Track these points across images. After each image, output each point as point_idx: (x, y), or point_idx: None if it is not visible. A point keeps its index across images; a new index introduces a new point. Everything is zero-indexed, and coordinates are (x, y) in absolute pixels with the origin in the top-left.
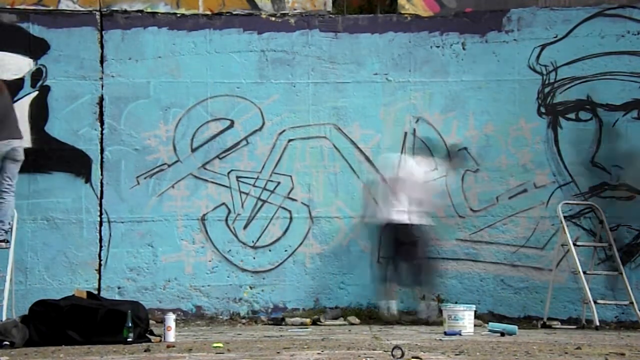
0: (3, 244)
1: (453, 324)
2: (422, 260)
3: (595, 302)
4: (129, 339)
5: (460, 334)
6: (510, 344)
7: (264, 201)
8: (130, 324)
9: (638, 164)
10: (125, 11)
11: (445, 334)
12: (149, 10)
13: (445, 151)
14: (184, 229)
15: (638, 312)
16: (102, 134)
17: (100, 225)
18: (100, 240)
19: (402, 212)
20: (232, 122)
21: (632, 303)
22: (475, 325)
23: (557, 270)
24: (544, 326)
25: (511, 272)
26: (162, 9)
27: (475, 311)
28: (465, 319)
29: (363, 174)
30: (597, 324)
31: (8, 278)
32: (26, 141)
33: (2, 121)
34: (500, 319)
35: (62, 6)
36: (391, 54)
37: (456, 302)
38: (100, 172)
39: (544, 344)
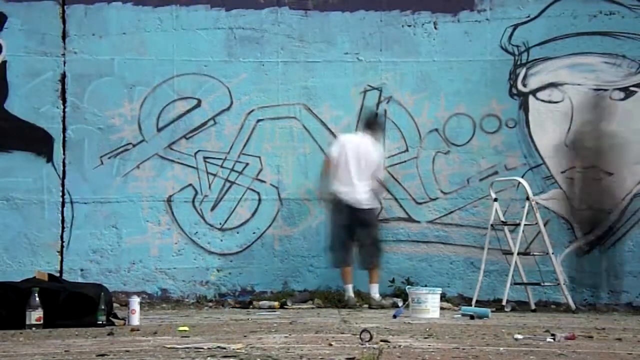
0: None
1: (417, 307)
2: (377, 242)
3: (517, 284)
4: (99, 322)
5: (396, 316)
6: (479, 327)
7: (232, 182)
8: (103, 307)
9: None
10: None
11: (394, 316)
12: None
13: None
14: (149, 210)
15: (567, 296)
16: (64, 112)
17: (63, 206)
18: (63, 221)
19: (361, 194)
20: (199, 101)
21: (559, 284)
22: (445, 309)
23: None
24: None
25: (481, 255)
26: None
27: (443, 294)
28: (428, 302)
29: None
30: (574, 307)
31: None
32: None
33: None
34: (470, 301)
35: None
36: (362, 32)
37: (425, 285)
38: (62, 152)
39: (514, 327)
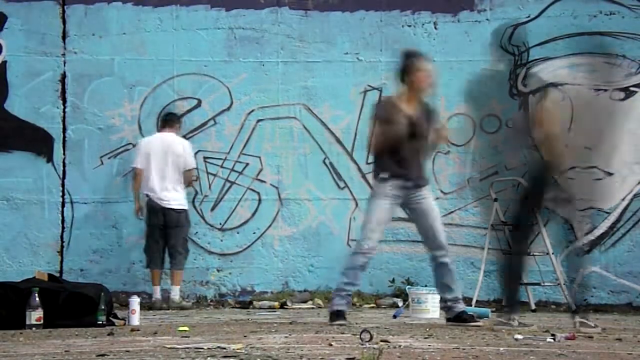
0: None
1: (417, 307)
2: (184, 244)
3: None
4: (99, 322)
5: (396, 316)
6: (479, 327)
7: (232, 182)
8: (103, 307)
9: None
10: None
11: (394, 316)
12: None
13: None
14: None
15: (567, 296)
16: (64, 112)
17: (63, 206)
18: (63, 221)
19: (170, 195)
20: (199, 102)
21: (559, 284)
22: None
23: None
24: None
25: (481, 255)
26: None
27: None
28: (428, 302)
29: (333, 155)
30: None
31: None
32: None
33: None
34: (470, 301)
35: None
36: (362, 32)
37: (425, 285)
38: (62, 152)
39: (513, 327)
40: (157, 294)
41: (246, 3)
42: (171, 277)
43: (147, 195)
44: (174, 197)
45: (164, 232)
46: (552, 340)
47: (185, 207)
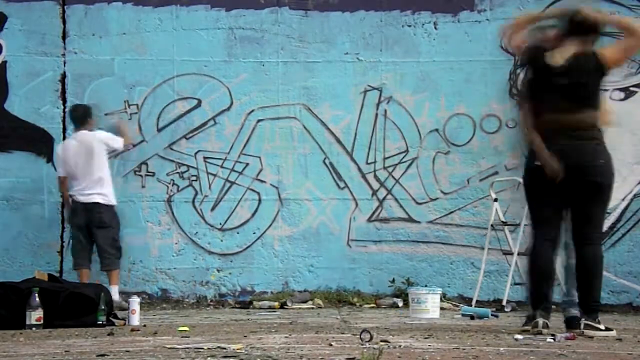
0: None
1: (417, 307)
2: (115, 243)
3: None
4: (99, 322)
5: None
6: (479, 327)
7: (232, 182)
8: (103, 307)
9: None
10: None
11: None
12: None
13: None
14: (149, 210)
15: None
16: (64, 112)
17: (63, 206)
18: (63, 221)
19: (92, 193)
20: (200, 102)
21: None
22: (445, 309)
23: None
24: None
25: (481, 255)
26: None
27: (444, 294)
28: (428, 302)
29: (333, 155)
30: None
31: None
32: None
33: None
34: (470, 302)
35: None
36: (362, 32)
37: (425, 285)
38: None
39: (514, 327)
40: None
41: (246, 3)
42: (109, 278)
43: (72, 196)
44: (97, 195)
45: (90, 231)
46: (552, 340)
47: (111, 204)
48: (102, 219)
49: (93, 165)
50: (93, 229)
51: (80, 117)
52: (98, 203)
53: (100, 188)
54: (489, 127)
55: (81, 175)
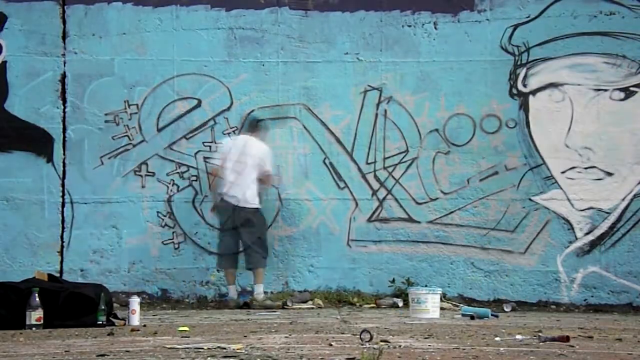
0: None
1: (416, 307)
2: (262, 243)
3: None
4: (99, 322)
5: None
6: (479, 327)
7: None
8: (103, 307)
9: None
10: None
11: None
12: None
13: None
14: (149, 210)
15: None
16: (64, 112)
17: (63, 206)
18: (63, 221)
19: (244, 194)
20: (200, 102)
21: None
22: (446, 309)
23: (528, 253)
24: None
25: (481, 255)
26: None
27: (444, 294)
28: (428, 302)
29: (333, 155)
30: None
31: None
32: None
33: None
34: (470, 302)
35: None
36: (362, 33)
37: (425, 285)
38: (62, 152)
39: (514, 327)
40: (232, 293)
41: (246, 3)
42: (254, 276)
43: (222, 195)
44: (249, 197)
45: (238, 231)
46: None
47: (259, 206)
48: (248, 218)
49: (247, 170)
50: (239, 228)
51: (252, 124)
52: (245, 207)
53: (249, 193)
54: (489, 127)
55: (235, 177)
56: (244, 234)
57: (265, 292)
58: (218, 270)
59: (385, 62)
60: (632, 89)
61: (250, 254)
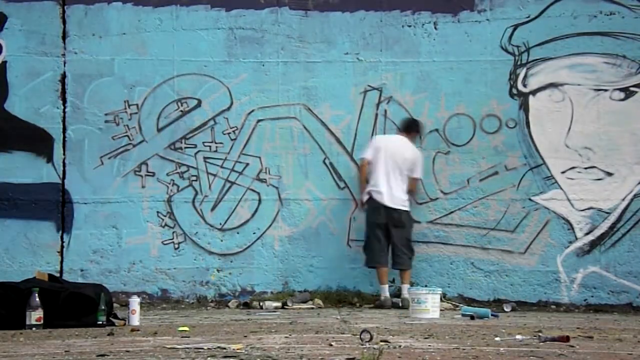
0: None
1: (417, 307)
2: (410, 243)
3: None
4: (99, 322)
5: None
6: (479, 327)
7: (232, 183)
8: (103, 307)
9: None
10: None
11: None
12: None
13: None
14: (149, 210)
15: None
16: (64, 112)
17: (63, 206)
18: (63, 221)
19: (396, 195)
20: (200, 102)
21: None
22: (446, 309)
23: (528, 253)
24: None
25: (481, 255)
26: None
27: (444, 294)
28: (428, 302)
29: (333, 155)
30: None
31: None
32: None
33: None
34: (470, 302)
35: None
36: (362, 32)
37: (425, 285)
38: (62, 152)
39: (514, 327)
40: (386, 292)
41: (246, 3)
42: (401, 277)
43: (373, 194)
44: (400, 198)
45: (389, 230)
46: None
47: (409, 208)
48: (401, 218)
49: (399, 172)
50: (391, 228)
51: (410, 124)
52: (397, 209)
53: (400, 194)
54: (489, 127)
55: (387, 176)
56: (395, 235)
57: (264, 292)
58: (370, 267)
59: (385, 62)
60: (632, 89)
61: (400, 255)
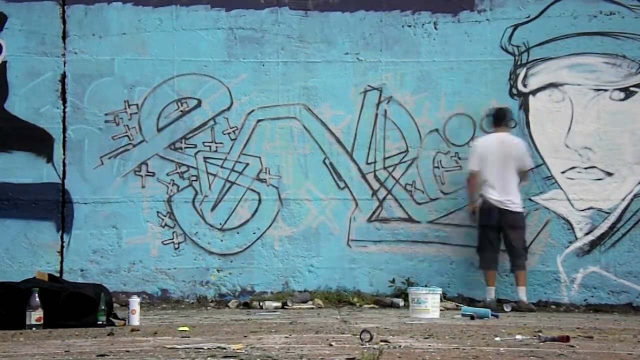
0: None
1: (417, 307)
2: (524, 245)
3: None
4: (99, 322)
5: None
6: (479, 327)
7: (232, 183)
8: (103, 307)
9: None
10: None
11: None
12: None
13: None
14: (149, 210)
15: None
16: (64, 112)
17: (63, 206)
18: (63, 221)
19: (508, 196)
20: (200, 102)
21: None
22: (447, 309)
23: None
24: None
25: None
26: None
27: (444, 294)
28: (428, 302)
29: (333, 155)
30: None
31: None
32: None
33: None
34: (470, 302)
35: None
36: (362, 33)
37: (425, 285)
38: (62, 152)
39: (514, 327)
40: (492, 294)
41: (246, 3)
42: (516, 279)
43: (485, 196)
44: (513, 199)
45: (502, 233)
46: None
47: (522, 209)
48: (515, 219)
49: (509, 171)
50: (506, 229)
51: (502, 117)
52: (511, 210)
53: (513, 195)
54: (489, 127)
55: (499, 180)
56: (511, 237)
57: (264, 292)
58: (484, 269)
59: (385, 62)
60: (632, 89)
61: (516, 257)
